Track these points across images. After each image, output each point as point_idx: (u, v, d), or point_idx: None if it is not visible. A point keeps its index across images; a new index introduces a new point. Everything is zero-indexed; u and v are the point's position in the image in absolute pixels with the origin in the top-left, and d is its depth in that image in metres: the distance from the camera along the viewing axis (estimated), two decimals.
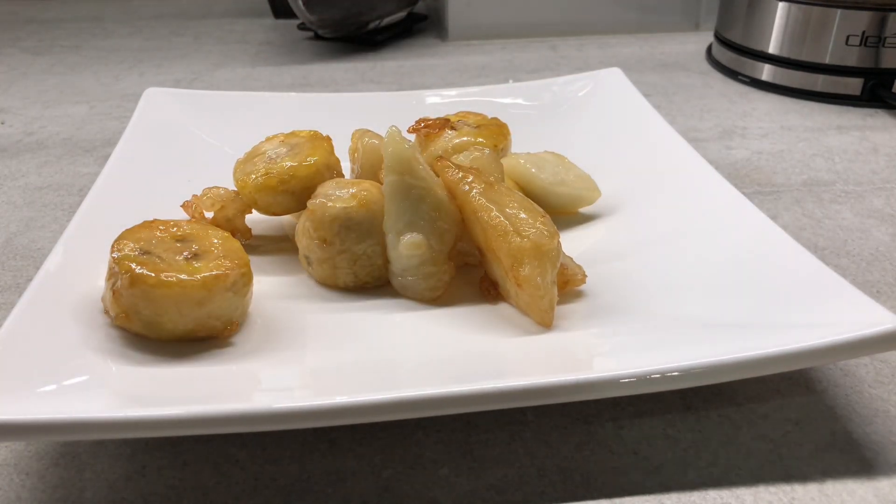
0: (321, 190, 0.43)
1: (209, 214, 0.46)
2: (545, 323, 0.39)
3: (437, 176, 0.43)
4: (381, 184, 0.43)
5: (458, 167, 0.42)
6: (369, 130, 0.50)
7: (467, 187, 0.41)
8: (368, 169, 0.48)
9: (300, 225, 0.43)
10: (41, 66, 0.94)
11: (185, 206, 0.47)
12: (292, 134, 0.49)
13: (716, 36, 0.90)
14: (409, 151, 0.41)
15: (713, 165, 0.50)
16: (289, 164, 0.45)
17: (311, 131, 0.49)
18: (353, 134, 0.50)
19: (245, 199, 0.47)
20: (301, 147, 0.47)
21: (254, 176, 0.45)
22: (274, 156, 0.47)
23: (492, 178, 0.42)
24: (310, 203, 0.43)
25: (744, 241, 0.42)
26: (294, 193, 0.45)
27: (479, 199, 0.41)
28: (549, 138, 0.57)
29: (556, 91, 0.66)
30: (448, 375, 0.36)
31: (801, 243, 0.40)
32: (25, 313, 0.36)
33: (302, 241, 0.43)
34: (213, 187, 0.47)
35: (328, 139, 0.48)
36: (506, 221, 0.39)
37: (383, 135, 0.49)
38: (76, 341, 0.36)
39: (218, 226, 0.45)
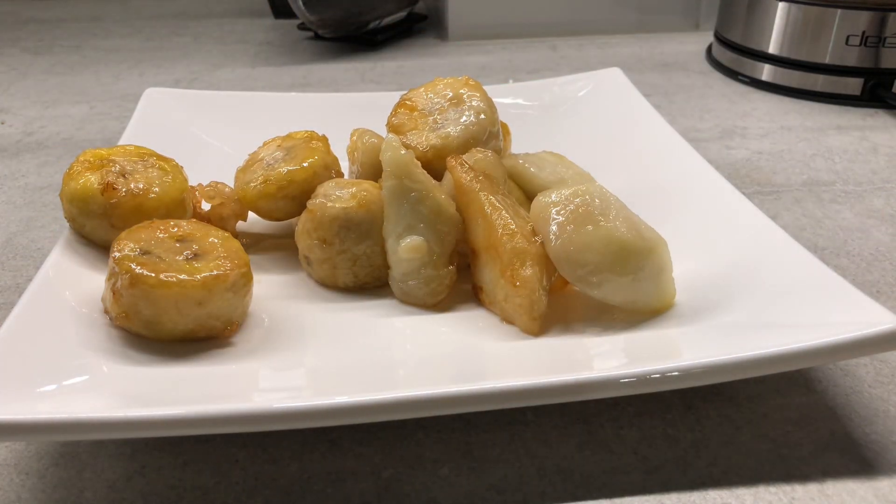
0: (321, 190, 0.43)
1: (206, 206, 0.46)
2: (532, 330, 0.39)
3: (446, 173, 0.43)
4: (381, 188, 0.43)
5: (470, 167, 0.42)
6: (368, 130, 0.50)
7: (478, 185, 0.41)
8: (369, 168, 0.48)
9: (300, 225, 0.43)
10: (41, 66, 0.94)
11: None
12: (288, 136, 0.49)
13: (716, 36, 0.90)
14: (407, 156, 0.41)
15: (713, 165, 0.50)
16: (286, 168, 0.45)
17: (306, 132, 0.49)
18: (351, 133, 0.50)
19: (248, 207, 0.47)
20: (297, 150, 0.47)
21: (253, 184, 0.46)
22: (271, 161, 0.47)
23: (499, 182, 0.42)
24: (309, 203, 0.43)
25: (744, 241, 0.42)
26: (294, 198, 0.45)
27: (488, 198, 0.41)
28: (549, 138, 0.57)
29: (556, 91, 0.66)
30: (448, 375, 0.36)
31: (801, 243, 0.40)
32: (25, 313, 0.36)
33: (302, 241, 0.43)
34: (218, 182, 0.48)
35: (324, 139, 0.48)
36: (513, 222, 0.40)
37: (383, 135, 0.49)
38: (76, 341, 0.36)
39: (210, 221, 0.45)
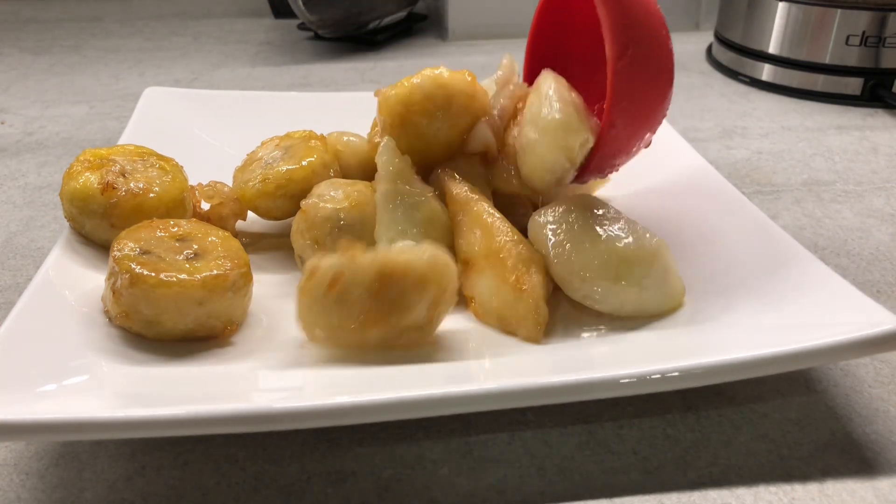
0: (316, 190, 0.43)
1: (206, 206, 0.47)
2: (534, 338, 0.38)
3: (439, 183, 0.43)
4: (369, 187, 0.43)
5: (462, 178, 0.43)
6: (345, 132, 0.50)
7: (476, 196, 0.41)
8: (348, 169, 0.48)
9: (295, 225, 0.43)
10: (41, 66, 0.94)
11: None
12: (287, 136, 0.49)
13: (716, 36, 0.90)
14: (404, 161, 0.42)
15: (713, 165, 0.50)
16: (284, 167, 0.45)
17: (305, 131, 0.49)
18: (328, 136, 0.50)
19: (246, 206, 0.47)
20: (296, 149, 0.47)
21: (251, 183, 0.46)
22: (270, 160, 0.47)
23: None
24: (303, 203, 0.43)
25: (744, 241, 0.42)
26: (293, 197, 0.45)
27: (486, 207, 0.41)
28: None
29: None
30: (448, 376, 0.36)
31: (801, 243, 0.40)
32: (25, 313, 0.36)
33: (296, 241, 0.43)
34: (217, 182, 0.48)
35: (322, 138, 0.48)
36: (514, 231, 0.40)
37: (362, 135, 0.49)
38: (76, 341, 0.36)
39: (210, 220, 0.45)
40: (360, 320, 0.36)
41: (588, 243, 0.38)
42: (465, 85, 0.43)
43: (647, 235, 0.39)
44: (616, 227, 0.39)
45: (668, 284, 0.39)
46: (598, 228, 0.39)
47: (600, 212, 0.39)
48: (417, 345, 0.37)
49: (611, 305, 0.38)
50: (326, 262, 0.35)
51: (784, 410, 0.36)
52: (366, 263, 0.35)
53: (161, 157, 0.46)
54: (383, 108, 0.43)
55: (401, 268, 0.35)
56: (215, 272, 0.37)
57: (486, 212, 0.41)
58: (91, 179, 0.43)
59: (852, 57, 0.74)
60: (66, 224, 0.44)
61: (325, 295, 0.36)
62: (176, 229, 0.40)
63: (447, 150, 0.44)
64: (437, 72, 0.43)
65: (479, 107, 0.45)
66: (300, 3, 0.89)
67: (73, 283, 0.39)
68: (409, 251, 0.36)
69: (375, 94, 0.44)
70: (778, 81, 0.80)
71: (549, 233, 0.39)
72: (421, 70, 0.45)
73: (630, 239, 0.38)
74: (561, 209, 0.39)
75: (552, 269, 0.39)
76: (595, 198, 0.40)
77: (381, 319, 0.36)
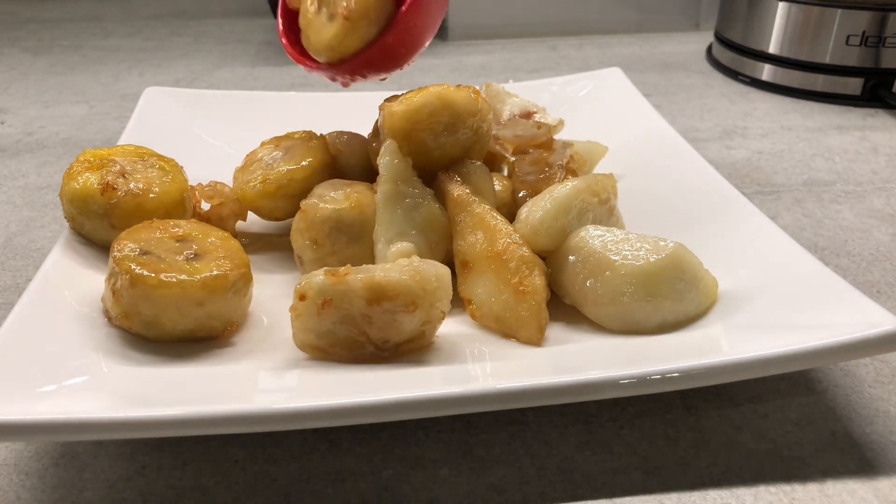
0: (316, 190, 0.43)
1: (206, 206, 0.47)
2: (536, 340, 0.38)
3: (440, 186, 0.43)
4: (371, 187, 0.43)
5: (463, 181, 0.43)
6: (345, 132, 0.50)
7: (477, 198, 0.41)
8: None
9: (294, 225, 0.43)
10: (41, 66, 0.94)
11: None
12: (286, 136, 0.49)
13: (716, 36, 0.90)
14: (405, 162, 0.42)
15: (713, 165, 0.50)
16: (285, 168, 0.45)
17: (304, 131, 0.49)
18: (328, 136, 0.50)
19: (247, 207, 0.47)
20: (295, 149, 0.47)
21: (252, 183, 0.46)
22: (270, 161, 0.47)
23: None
24: (303, 203, 0.43)
25: (744, 241, 0.42)
26: (294, 197, 0.45)
27: (488, 209, 0.41)
28: None
29: (556, 91, 0.66)
30: (447, 376, 0.36)
31: (801, 243, 0.40)
32: (25, 313, 0.36)
33: (295, 241, 0.43)
34: (217, 182, 0.48)
35: (322, 138, 0.48)
36: (516, 234, 0.40)
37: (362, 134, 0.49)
38: (76, 341, 0.36)
39: (210, 221, 0.45)
40: (354, 341, 0.36)
41: (609, 272, 0.38)
42: (469, 103, 0.43)
43: (662, 244, 0.39)
44: (627, 247, 0.38)
45: (701, 282, 0.38)
46: (609, 252, 0.38)
47: (606, 237, 0.39)
48: (413, 353, 0.37)
49: (656, 323, 0.38)
50: (316, 285, 0.36)
51: (784, 410, 0.36)
52: (355, 286, 0.35)
53: (161, 158, 0.46)
54: (387, 123, 0.43)
55: (390, 288, 0.35)
56: (215, 273, 0.37)
57: (489, 213, 0.41)
58: (91, 180, 0.43)
59: (852, 57, 0.74)
60: (66, 224, 0.44)
61: (318, 315, 0.36)
62: (176, 230, 0.40)
63: (449, 162, 0.44)
64: (442, 89, 0.43)
65: (482, 122, 0.45)
66: None
67: (73, 283, 0.39)
68: (395, 269, 0.36)
69: (380, 108, 0.44)
70: (778, 81, 0.80)
71: (572, 274, 0.39)
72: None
73: (645, 250, 0.38)
74: (569, 245, 0.39)
75: (589, 312, 0.39)
76: (593, 227, 0.40)
77: (375, 338, 0.36)
